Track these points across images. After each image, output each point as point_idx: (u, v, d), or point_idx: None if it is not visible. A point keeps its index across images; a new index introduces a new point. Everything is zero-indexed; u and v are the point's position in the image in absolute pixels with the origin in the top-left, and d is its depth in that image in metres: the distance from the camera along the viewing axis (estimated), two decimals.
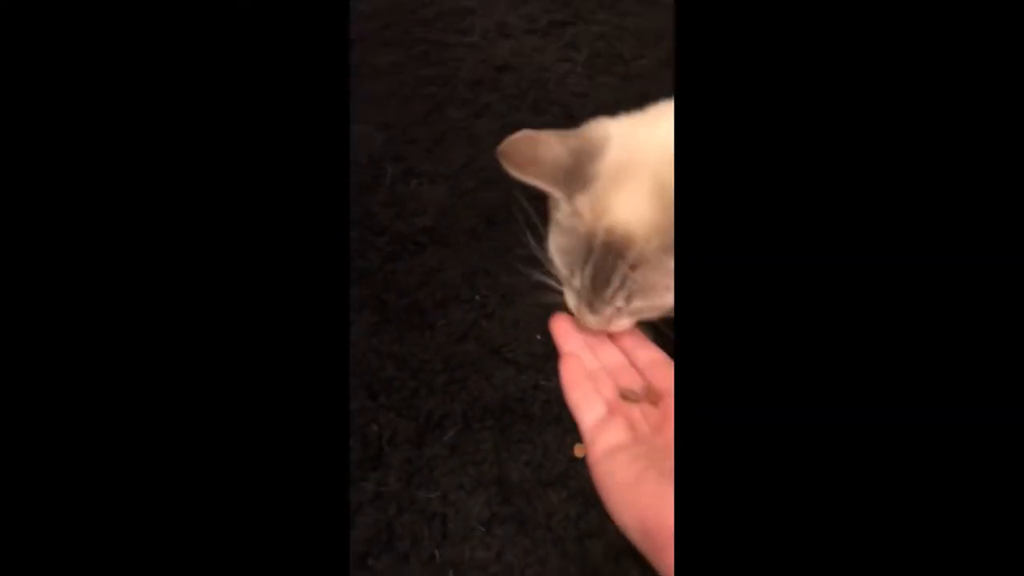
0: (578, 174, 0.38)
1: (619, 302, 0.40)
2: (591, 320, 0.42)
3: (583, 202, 0.38)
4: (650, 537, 0.31)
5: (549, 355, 0.57)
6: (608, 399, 0.41)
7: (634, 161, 0.38)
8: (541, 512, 0.49)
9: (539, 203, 0.67)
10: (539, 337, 0.58)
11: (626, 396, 0.42)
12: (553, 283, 0.45)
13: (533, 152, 0.38)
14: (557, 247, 0.41)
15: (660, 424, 0.39)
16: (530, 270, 0.47)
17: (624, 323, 0.43)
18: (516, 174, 0.38)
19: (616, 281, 0.38)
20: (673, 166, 0.35)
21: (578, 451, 0.52)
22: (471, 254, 0.63)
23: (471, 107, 0.75)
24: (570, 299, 0.44)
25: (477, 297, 0.60)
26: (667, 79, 0.77)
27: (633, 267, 0.38)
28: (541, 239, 0.46)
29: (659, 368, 0.43)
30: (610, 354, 0.45)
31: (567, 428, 0.53)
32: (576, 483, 0.50)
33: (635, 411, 0.41)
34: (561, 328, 0.46)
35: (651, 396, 0.42)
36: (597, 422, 0.39)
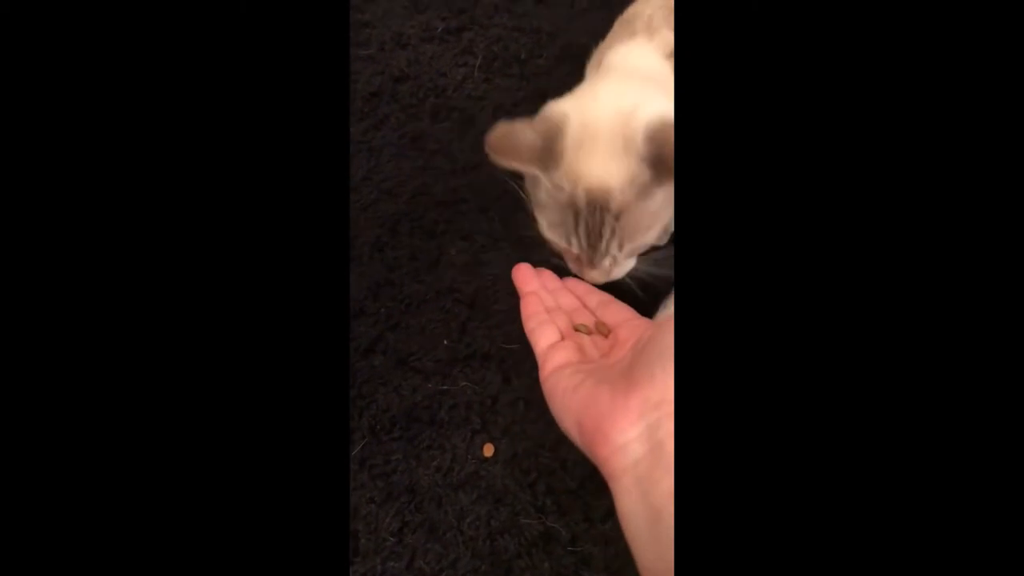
0: (550, 152, 0.43)
1: (614, 250, 0.45)
2: (595, 275, 0.48)
3: (559, 176, 0.43)
4: (583, 431, 0.35)
5: (456, 359, 0.57)
6: (562, 329, 0.46)
7: (590, 132, 0.44)
8: (452, 515, 0.49)
9: (441, 209, 0.68)
10: (446, 343, 0.58)
11: (578, 328, 0.47)
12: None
13: (513, 143, 0.43)
14: (548, 224, 0.46)
15: (608, 351, 0.44)
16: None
17: (622, 269, 0.49)
18: (503, 163, 0.44)
19: (607, 232, 0.44)
20: (626, 126, 0.43)
21: (487, 450, 0.53)
22: (374, 267, 0.63)
23: (369, 119, 0.75)
24: (571, 262, 0.49)
25: (382, 310, 0.60)
26: (563, 75, 0.79)
27: (617, 216, 0.43)
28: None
29: (609, 307, 0.49)
30: (565, 297, 0.50)
31: (475, 430, 0.54)
32: (486, 482, 0.51)
33: (586, 340, 0.46)
34: (521, 274, 0.52)
35: (602, 329, 0.46)
36: (549, 345, 0.45)
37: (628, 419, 0.32)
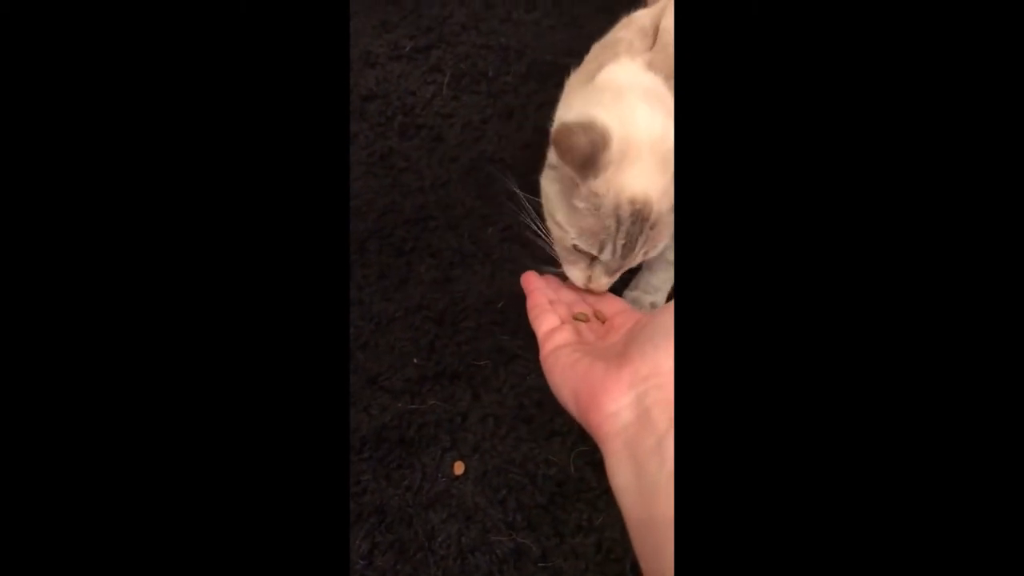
0: (593, 161, 0.46)
1: (639, 258, 0.49)
2: (604, 283, 0.51)
3: (598, 184, 0.46)
4: (579, 400, 0.38)
5: (425, 377, 0.57)
6: (562, 317, 0.50)
7: (634, 147, 0.47)
8: (422, 534, 0.49)
9: (410, 226, 0.68)
10: (416, 361, 0.58)
11: (578, 317, 0.50)
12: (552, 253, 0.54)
13: (570, 143, 0.45)
14: (580, 231, 0.49)
15: (603, 336, 0.48)
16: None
17: (618, 275, 0.52)
18: (561, 160, 0.46)
19: (641, 241, 0.48)
20: (663, 144, 0.47)
21: (457, 468, 0.53)
22: None
23: None
24: (577, 272, 0.52)
25: (351, 329, 0.60)
26: (530, 92, 0.80)
27: (652, 227, 0.47)
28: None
29: (605, 300, 0.53)
30: (566, 294, 0.55)
31: (445, 448, 0.54)
32: (457, 500, 0.51)
33: (583, 326, 0.49)
34: (528, 277, 0.56)
35: (599, 316, 0.50)
36: (550, 329, 0.48)
37: (619, 389, 0.35)
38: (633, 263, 0.50)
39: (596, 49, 0.62)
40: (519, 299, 0.63)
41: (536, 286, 0.54)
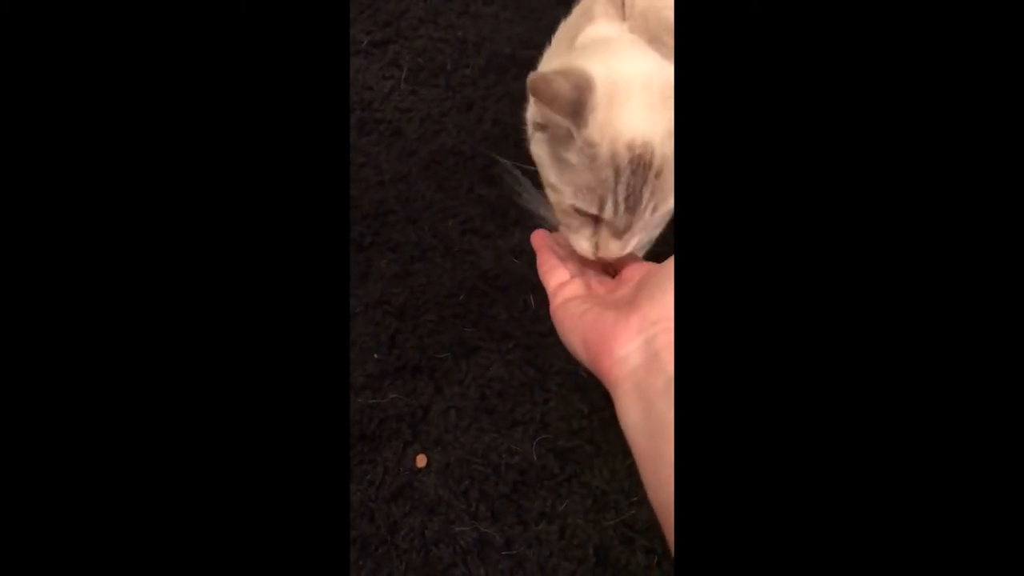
0: (581, 106, 0.42)
1: (649, 214, 0.44)
2: (615, 247, 0.46)
3: (591, 132, 0.42)
4: (588, 347, 0.38)
5: (386, 372, 0.57)
6: (572, 272, 0.48)
7: (623, 86, 0.43)
8: (384, 529, 0.49)
9: (369, 221, 0.68)
10: (376, 356, 0.58)
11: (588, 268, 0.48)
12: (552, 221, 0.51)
13: (553, 89, 0.42)
14: (577, 189, 0.44)
15: (614, 288, 0.46)
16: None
17: (636, 243, 0.48)
18: (544, 109, 0.42)
19: (647, 193, 0.43)
20: (656, 80, 0.43)
21: (419, 461, 0.53)
22: None
23: None
24: (584, 242, 0.47)
25: None
26: (489, 84, 0.80)
27: (657, 174, 0.43)
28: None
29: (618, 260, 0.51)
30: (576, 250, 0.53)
31: (407, 441, 0.53)
32: (419, 493, 0.51)
33: (593, 280, 0.47)
34: (537, 234, 0.54)
35: (609, 270, 0.49)
36: (560, 283, 0.47)
37: (628, 334, 0.35)
38: (644, 221, 0.45)
39: (568, 25, 0.60)
40: (480, 291, 0.63)
41: (545, 243, 0.53)
